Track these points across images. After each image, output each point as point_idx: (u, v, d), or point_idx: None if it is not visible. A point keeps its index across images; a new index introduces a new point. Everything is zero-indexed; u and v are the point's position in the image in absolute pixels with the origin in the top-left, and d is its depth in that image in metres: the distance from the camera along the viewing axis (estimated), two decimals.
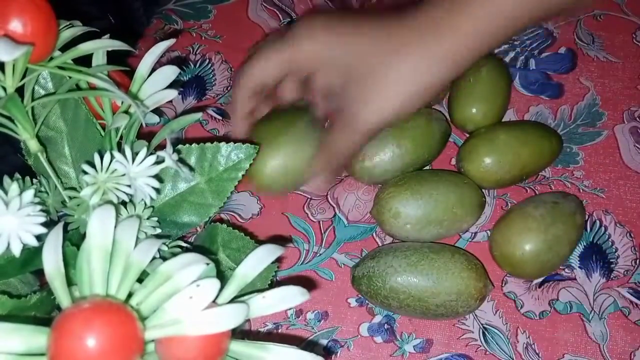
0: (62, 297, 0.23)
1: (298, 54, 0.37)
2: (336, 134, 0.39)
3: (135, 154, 0.28)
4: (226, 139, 0.35)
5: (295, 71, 0.38)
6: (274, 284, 0.35)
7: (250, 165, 0.35)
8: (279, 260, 0.41)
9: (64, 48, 0.30)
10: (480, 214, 0.44)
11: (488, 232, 0.45)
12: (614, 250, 0.44)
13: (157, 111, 0.33)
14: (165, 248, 0.33)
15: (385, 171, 0.44)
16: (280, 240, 0.46)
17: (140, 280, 0.24)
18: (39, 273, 0.30)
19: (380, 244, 0.45)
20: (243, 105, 0.41)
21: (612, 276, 0.43)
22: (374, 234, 0.46)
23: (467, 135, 0.46)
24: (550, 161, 0.45)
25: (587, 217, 0.45)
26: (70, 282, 0.23)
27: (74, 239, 0.29)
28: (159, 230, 0.32)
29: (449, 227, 0.42)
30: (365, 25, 0.36)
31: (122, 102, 0.32)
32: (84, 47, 0.30)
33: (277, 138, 0.41)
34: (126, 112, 0.32)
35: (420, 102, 0.36)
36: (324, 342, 0.42)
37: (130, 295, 0.23)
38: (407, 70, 0.35)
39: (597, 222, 0.45)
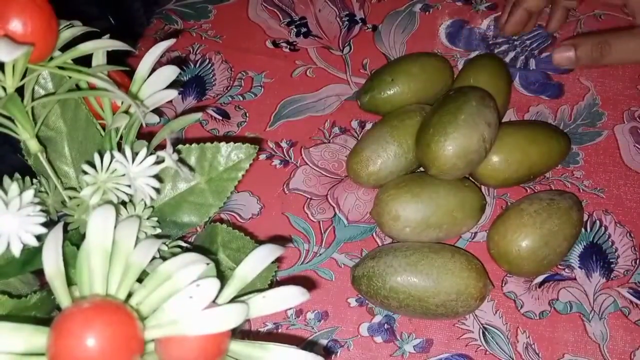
0: (62, 296, 0.23)
1: None
2: (629, 39, 0.37)
3: (135, 154, 0.28)
4: (226, 139, 0.35)
5: None
6: (274, 284, 0.35)
7: (431, 150, 0.37)
8: (279, 260, 0.41)
9: (64, 48, 0.30)
10: (480, 217, 0.44)
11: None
12: (614, 250, 0.44)
13: (157, 111, 0.33)
14: (165, 248, 0.33)
15: (391, 172, 0.44)
16: (280, 240, 0.46)
17: (140, 280, 0.24)
18: (39, 273, 0.30)
19: (380, 244, 0.45)
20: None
21: (612, 276, 0.42)
22: (374, 234, 0.46)
23: None
24: (558, 161, 0.45)
25: (587, 217, 0.45)
26: (70, 282, 0.23)
27: (74, 239, 0.29)
28: (159, 230, 0.32)
29: (448, 230, 0.42)
30: None
31: (122, 102, 0.32)
32: (84, 47, 0.30)
33: (450, 123, 0.40)
34: (126, 112, 0.32)
35: None
36: (324, 342, 0.42)
37: (130, 295, 0.23)
38: None
39: (597, 222, 0.45)
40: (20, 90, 0.28)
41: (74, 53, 0.30)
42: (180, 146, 0.34)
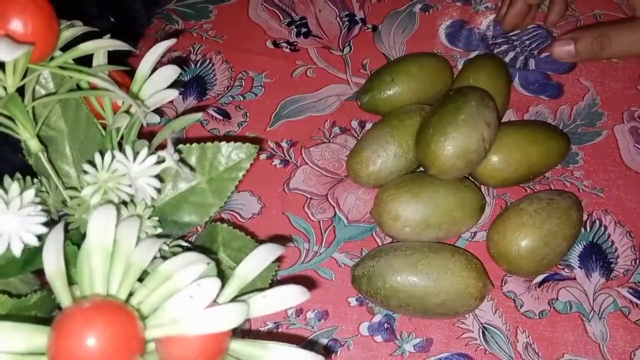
0: (63, 296, 0.23)
1: None
2: (629, 31, 0.37)
3: (136, 154, 0.28)
4: (227, 138, 0.35)
5: None
6: (274, 284, 0.35)
7: (430, 150, 0.38)
8: (279, 259, 0.41)
9: (65, 48, 0.30)
10: (480, 217, 0.44)
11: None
12: (613, 250, 0.44)
13: (158, 111, 0.33)
14: (165, 247, 0.33)
15: (391, 172, 0.44)
16: (280, 239, 0.46)
17: (140, 279, 0.24)
18: (40, 272, 0.30)
19: (380, 244, 0.45)
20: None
21: (611, 276, 0.43)
22: (374, 234, 0.46)
23: None
24: (558, 161, 0.45)
25: (586, 217, 0.45)
26: (70, 282, 0.23)
27: (75, 239, 0.29)
28: (159, 230, 0.32)
29: (448, 230, 0.42)
30: None
31: (123, 102, 0.32)
32: (85, 47, 0.30)
33: (450, 123, 0.40)
34: (127, 112, 0.32)
35: None
36: (324, 341, 0.42)
37: (130, 294, 0.23)
38: None
39: (597, 222, 0.45)
40: (21, 90, 0.28)
41: (74, 53, 0.30)
42: (181, 146, 0.34)
